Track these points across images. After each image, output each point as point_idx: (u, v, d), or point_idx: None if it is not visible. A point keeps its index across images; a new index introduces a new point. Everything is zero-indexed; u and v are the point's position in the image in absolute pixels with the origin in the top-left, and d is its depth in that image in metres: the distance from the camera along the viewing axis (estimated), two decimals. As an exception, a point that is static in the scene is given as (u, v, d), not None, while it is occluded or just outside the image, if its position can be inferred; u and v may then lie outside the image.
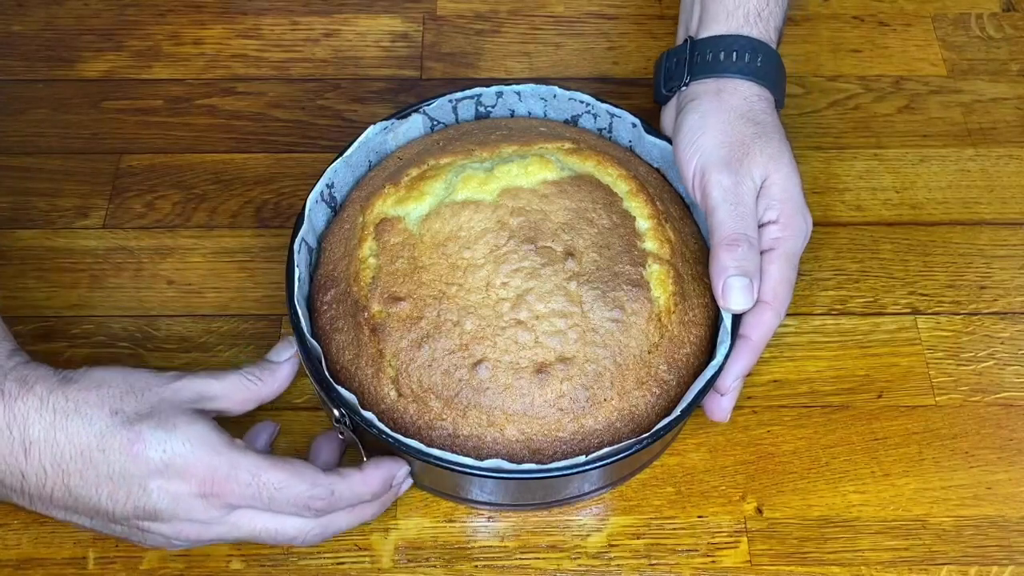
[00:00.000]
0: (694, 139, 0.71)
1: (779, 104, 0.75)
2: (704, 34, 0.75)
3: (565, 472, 0.63)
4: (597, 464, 0.63)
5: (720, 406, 0.69)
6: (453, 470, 0.63)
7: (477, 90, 0.78)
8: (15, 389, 0.59)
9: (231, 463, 0.60)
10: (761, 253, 0.69)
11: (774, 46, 0.76)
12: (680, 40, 0.79)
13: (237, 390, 0.65)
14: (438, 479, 0.68)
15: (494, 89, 0.78)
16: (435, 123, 0.77)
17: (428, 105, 0.76)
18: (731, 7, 0.74)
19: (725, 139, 0.70)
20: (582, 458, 0.63)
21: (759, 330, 0.68)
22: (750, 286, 0.67)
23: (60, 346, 0.76)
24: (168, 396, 0.62)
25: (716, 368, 0.66)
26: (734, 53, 0.73)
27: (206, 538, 0.62)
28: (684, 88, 0.75)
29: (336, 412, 0.65)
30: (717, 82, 0.73)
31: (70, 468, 0.59)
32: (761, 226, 0.70)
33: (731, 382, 0.68)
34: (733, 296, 0.66)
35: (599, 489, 0.70)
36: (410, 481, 0.68)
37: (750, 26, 0.74)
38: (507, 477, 0.63)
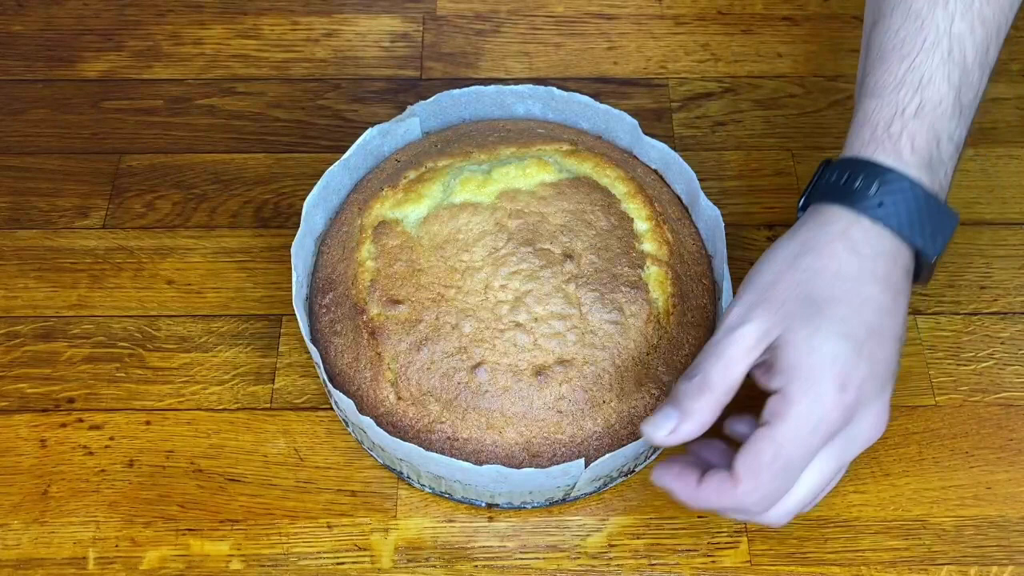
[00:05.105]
0: (751, 273, 0.61)
1: (925, 254, 0.61)
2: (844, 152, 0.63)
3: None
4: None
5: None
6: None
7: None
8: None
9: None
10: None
11: (913, 172, 0.60)
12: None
13: None
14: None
15: (492, 89, 0.78)
16: (433, 124, 0.78)
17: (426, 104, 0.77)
18: (867, 113, 0.62)
19: (763, 274, 0.60)
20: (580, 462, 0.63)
21: (717, 495, 0.58)
22: (671, 416, 0.58)
23: (60, 346, 0.76)
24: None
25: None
26: (846, 175, 0.60)
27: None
28: (801, 214, 0.64)
29: None
30: (816, 209, 0.62)
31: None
32: (770, 395, 0.58)
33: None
34: (651, 418, 0.59)
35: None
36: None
37: (877, 143, 0.61)
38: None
